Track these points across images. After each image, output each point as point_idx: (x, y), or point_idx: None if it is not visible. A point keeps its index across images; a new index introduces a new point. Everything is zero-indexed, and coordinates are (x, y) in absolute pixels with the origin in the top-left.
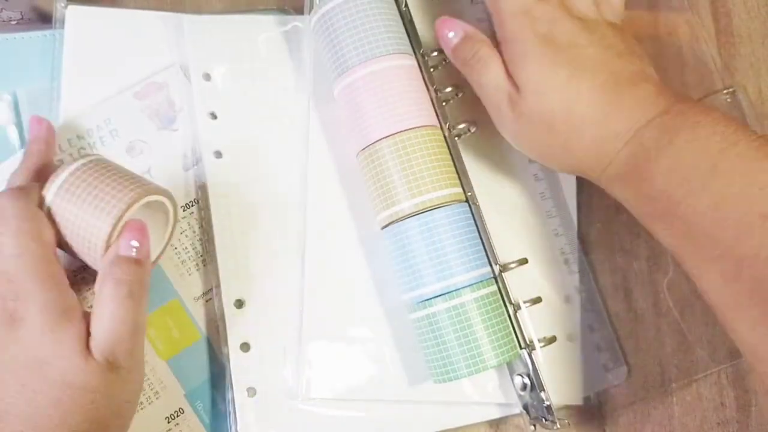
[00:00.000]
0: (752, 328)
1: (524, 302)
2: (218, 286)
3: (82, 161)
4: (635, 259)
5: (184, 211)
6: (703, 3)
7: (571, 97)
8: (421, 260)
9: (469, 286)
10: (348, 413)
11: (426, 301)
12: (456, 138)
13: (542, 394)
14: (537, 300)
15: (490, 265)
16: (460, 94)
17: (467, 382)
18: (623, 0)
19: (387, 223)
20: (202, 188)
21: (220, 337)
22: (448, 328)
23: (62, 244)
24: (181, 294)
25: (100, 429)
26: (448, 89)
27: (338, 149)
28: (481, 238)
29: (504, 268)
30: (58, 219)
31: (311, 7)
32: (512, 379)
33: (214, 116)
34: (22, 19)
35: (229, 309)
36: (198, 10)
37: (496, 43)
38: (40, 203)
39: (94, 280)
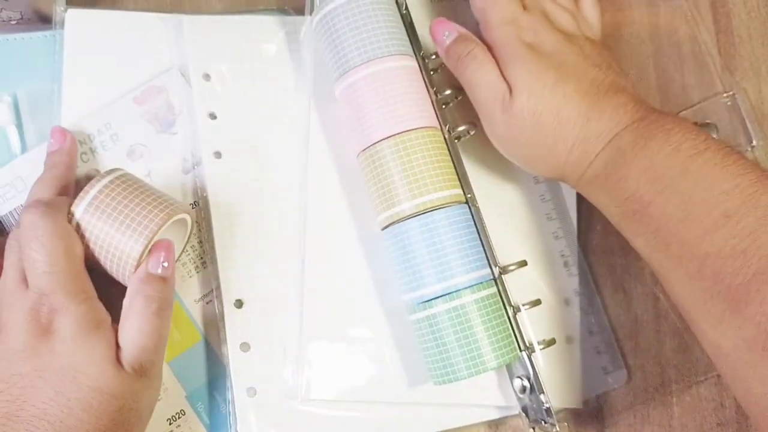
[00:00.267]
0: (715, 325)
1: (524, 304)
2: (218, 286)
3: (109, 178)
4: (635, 261)
5: None
6: (703, 3)
7: (559, 99)
8: (422, 261)
9: (469, 287)
10: (348, 414)
11: (426, 302)
12: (456, 140)
13: (542, 397)
14: (536, 302)
15: (490, 267)
16: (459, 97)
17: (466, 384)
18: (599, 18)
19: (387, 223)
20: (201, 190)
21: (219, 337)
22: (449, 329)
23: (87, 255)
24: (181, 296)
25: None
26: (448, 92)
27: (338, 150)
28: (481, 240)
29: (504, 270)
30: (86, 234)
31: (312, 8)
32: (512, 382)
33: (213, 116)
34: (21, 19)
35: (228, 309)
36: (198, 11)
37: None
38: (69, 218)
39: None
